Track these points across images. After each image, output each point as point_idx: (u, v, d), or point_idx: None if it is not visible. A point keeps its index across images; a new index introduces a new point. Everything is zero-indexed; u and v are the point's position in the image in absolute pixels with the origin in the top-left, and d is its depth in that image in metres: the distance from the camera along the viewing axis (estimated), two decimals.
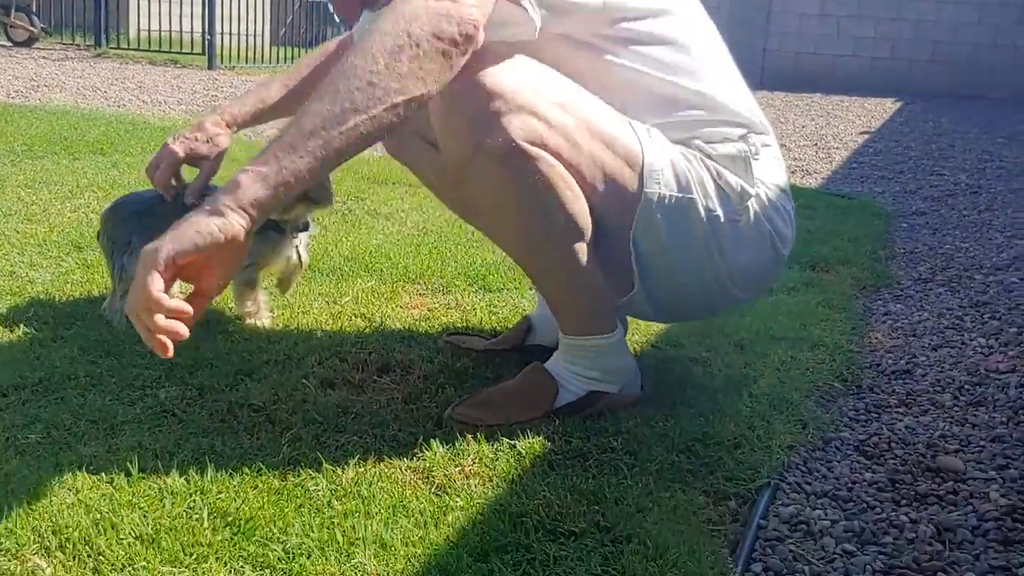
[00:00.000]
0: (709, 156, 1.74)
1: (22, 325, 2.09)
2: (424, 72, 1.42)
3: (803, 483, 1.61)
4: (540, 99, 1.59)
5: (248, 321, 2.17)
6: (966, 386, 2.07)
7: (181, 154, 1.99)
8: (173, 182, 2.02)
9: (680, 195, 1.70)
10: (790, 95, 10.75)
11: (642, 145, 1.68)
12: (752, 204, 1.77)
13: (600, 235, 1.70)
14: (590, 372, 1.79)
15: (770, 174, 1.83)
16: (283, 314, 2.27)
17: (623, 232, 1.71)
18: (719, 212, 1.73)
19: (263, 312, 2.19)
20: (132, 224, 2.17)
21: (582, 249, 1.68)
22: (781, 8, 11.99)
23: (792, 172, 5.30)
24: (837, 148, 6.42)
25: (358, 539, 1.33)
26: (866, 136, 7.23)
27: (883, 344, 2.33)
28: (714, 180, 1.73)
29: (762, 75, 12.19)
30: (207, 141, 2.01)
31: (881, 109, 9.58)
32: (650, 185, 1.68)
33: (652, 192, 1.68)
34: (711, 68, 1.78)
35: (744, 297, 1.90)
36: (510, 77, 1.57)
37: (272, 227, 2.15)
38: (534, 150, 1.58)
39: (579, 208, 1.64)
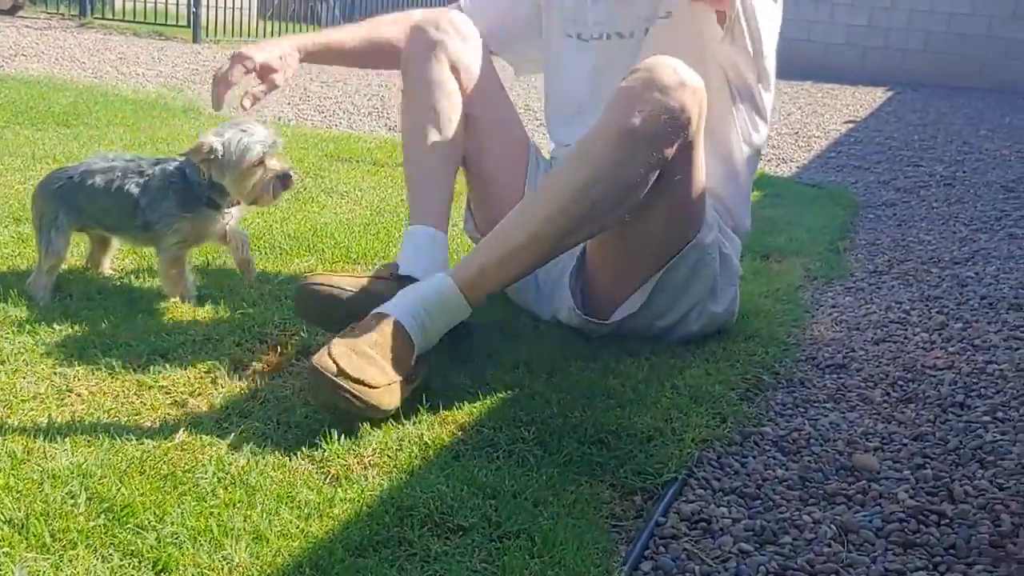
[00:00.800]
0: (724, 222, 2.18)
1: None
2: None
3: (712, 479, 1.58)
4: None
5: (172, 300, 2.13)
6: (899, 382, 2.04)
7: (259, 60, 2.10)
8: (236, 90, 2.11)
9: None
10: (781, 82, 10.62)
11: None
12: (736, 281, 2.21)
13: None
14: (436, 329, 1.79)
15: None
16: (211, 293, 2.23)
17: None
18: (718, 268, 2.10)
19: (189, 291, 2.15)
20: (59, 199, 2.13)
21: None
22: None
23: (768, 160, 5.25)
24: (818, 137, 6.37)
25: (234, 530, 1.29)
26: (850, 125, 7.18)
27: (823, 337, 2.30)
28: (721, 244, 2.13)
29: None
30: (280, 58, 2.15)
31: (870, 98, 9.51)
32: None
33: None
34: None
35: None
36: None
37: (208, 204, 2.11)
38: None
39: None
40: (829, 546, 1.39)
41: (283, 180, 2.09)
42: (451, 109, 2.12)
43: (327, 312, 1.86)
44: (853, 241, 3.34)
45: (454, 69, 2.13)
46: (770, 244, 3.05)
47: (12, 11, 9.73)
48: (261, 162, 2.05)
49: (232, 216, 2.17)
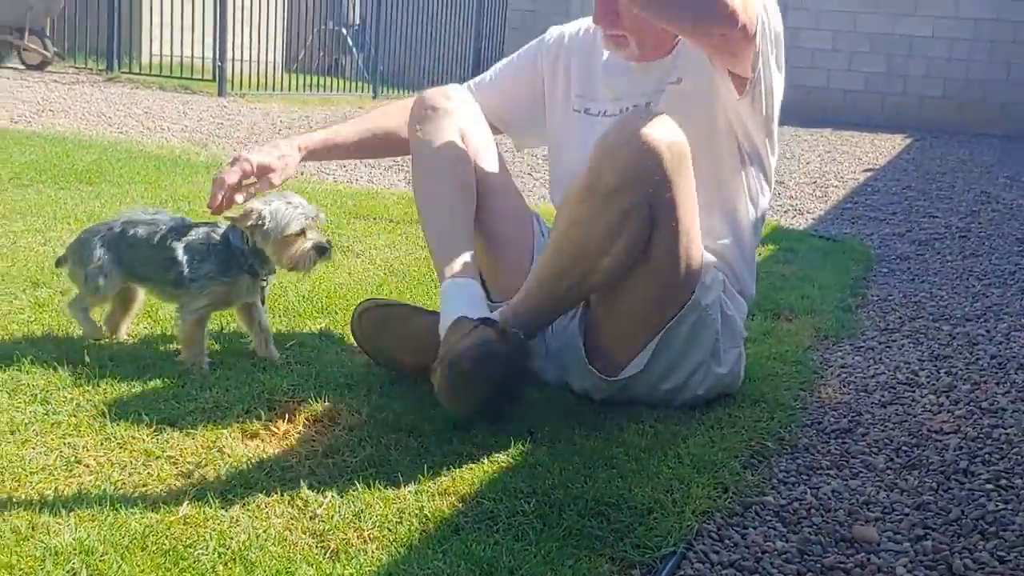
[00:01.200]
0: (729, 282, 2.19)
1: None
2: None
3: (711, 552, 1.58)
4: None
5: (186, 365, 2.16)
6: (904, 447, 2.04)
7: (256, 160, 2.16)
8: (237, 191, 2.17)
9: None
10: (800, 129, 10.70)
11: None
12: (741, 344, 2.20)
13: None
14: None
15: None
16: (224, 358, 2.26)
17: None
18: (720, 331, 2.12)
19: (203, 356, 2.19)
20: (106, 247, 2.20)
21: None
22: (792, 42, 11.94)
23: (785, 212, 5.28)
24: (836, 186, 6.39)
25: None
26: (869, 174, 7.19)
27: (830, 400, 2.30)
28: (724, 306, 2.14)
29: None
30: (279, 158, 2.22)
31: (890, 145, 9.53)
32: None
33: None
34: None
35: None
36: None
37: (248, 270, 2.17)
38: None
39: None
40: None
41: (320, 251, 2.15)
42: (466, 174, 2.17)
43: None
44: (866, 297, 3.35)
45: (462, 136, 2.18)
46: (781, 302, 3.06)
47: (41, 66, 9.93)
48: (302, 233, 2.12)
49: (268, 283, 2.24)
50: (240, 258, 2.17)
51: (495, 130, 2.41)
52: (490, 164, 2.24)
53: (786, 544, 1.62)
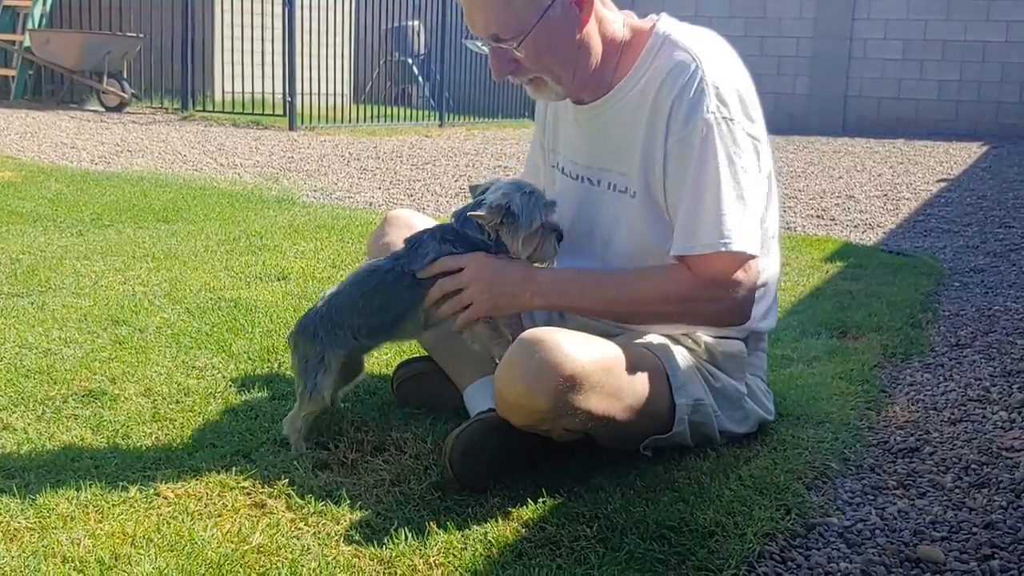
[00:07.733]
0: (711, 352, 2.02)
1: (40, 405, 2.18)
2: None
3: (773, 574, 1.59)
4: (600, 376, 1.80)
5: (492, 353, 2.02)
6: (973, 466, 2.01)
7: None
8: None
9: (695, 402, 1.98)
10: (872, 141, 10.57)
11: (666, 369, 1.94)
12: (746, 401, 2.05)
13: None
14: None
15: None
16: (292, 391, 2.32)
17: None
18: (717, 410, 2.01)
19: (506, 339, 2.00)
20: (323, 337, 2.04)
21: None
22: (861, 53, 11.86)
23: (855, 227, 5.22)
24: (908, 199, 6.30)
25: None
26: (943, 184, 7.08)
27: (897, 419, 2.28)
28: (709, 383, 2.00)
29: (844, 122, 12.04)
30: None
31: (965, 154, 9.36)
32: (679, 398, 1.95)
33: (682, 403, 1.95)
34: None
35: None
36: (584, 358, 1.78)
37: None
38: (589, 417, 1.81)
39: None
40: None
41: (559, 236, 2.05)
42: None
43: None
44: (936, 313, 3.30)
45: None
46: (848, 320, 3.04)
47: (119, 108, 10.26)
48: (543, 224, 2.01)
49: None
50: (480, 245, 2.00)
51: None
52: None
53: (850, 565, 1.61)
